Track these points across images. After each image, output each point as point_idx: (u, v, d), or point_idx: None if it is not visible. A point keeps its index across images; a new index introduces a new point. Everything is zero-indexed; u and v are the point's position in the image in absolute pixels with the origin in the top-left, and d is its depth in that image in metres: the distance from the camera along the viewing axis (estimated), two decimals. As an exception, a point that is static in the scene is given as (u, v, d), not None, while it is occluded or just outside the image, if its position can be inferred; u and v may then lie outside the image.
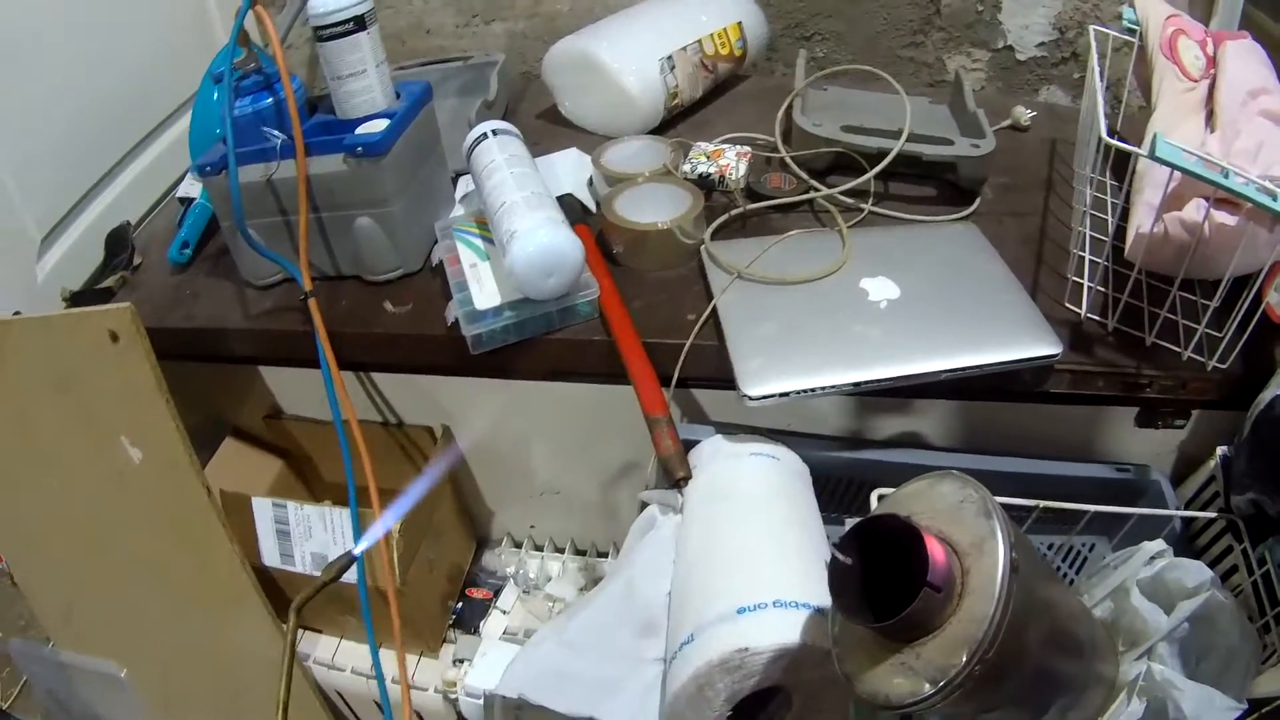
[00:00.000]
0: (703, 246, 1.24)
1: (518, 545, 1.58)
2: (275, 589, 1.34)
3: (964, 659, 0.66)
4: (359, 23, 1.19)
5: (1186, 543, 1.11)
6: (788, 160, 1.35)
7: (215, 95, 1.41)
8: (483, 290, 1.20)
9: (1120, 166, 1.23)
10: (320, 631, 1.46)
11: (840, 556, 0.74)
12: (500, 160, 1.24)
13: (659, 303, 1.21)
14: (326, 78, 1.24)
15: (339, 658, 1.43)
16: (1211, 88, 1.18)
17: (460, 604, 1.47)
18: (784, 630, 0.84)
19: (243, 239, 1.24)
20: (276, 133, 1.22)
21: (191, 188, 1.48)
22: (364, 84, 1.23)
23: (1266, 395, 0.97)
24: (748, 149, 1.38)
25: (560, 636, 1.02)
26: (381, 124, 1.22)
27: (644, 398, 1.08)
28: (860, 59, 1.78)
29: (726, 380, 1.09)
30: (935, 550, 0.69)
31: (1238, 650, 0.89)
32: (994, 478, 0.79)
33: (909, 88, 1.39)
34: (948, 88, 1.56)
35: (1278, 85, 1.16)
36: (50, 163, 1.39)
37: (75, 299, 1.40)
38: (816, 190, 1.32)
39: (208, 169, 1.23)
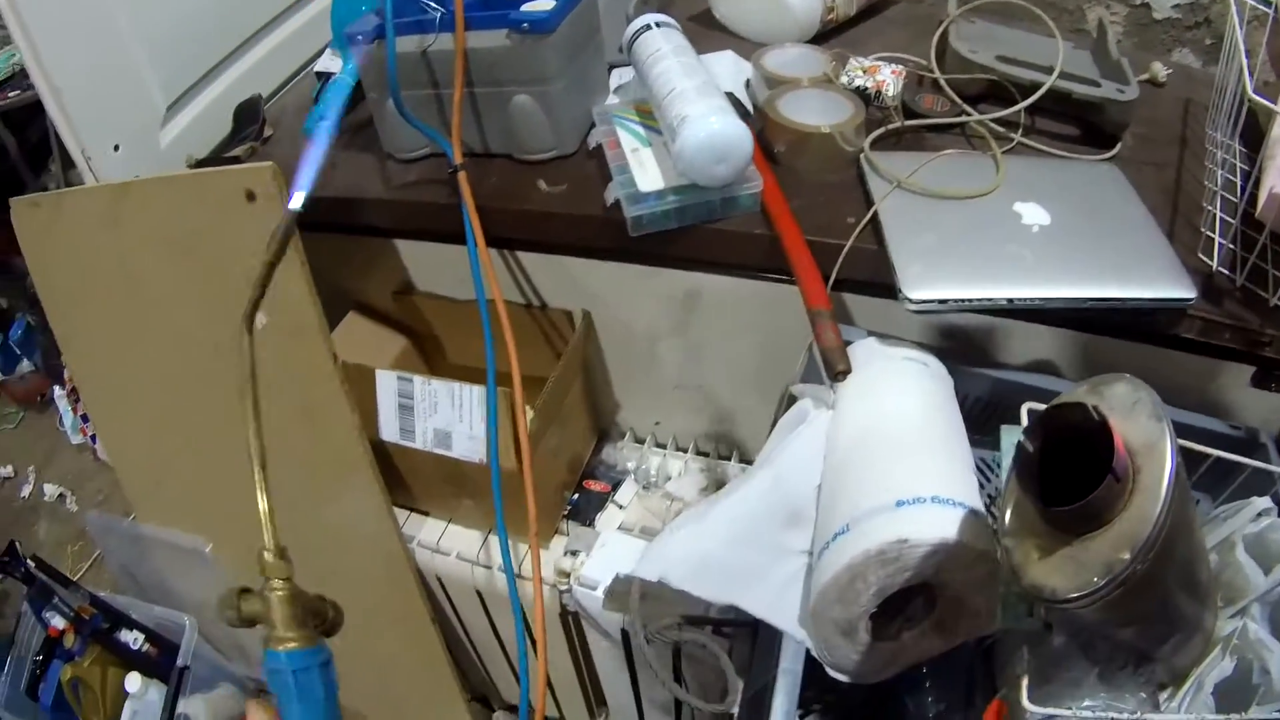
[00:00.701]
0: (861, 155, 1.24)
1: (639, 441, 1.57)
2: (389, 465, 1.34)
3: (1130, 554, 0.67)
4: (540, -102, 1.18)
5: None
6: (941, 83, 1.34)
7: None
8: (645, 174, 1.19)
9: (1250, 134, 1.25)
10: (427, 514, 1.46)
11: (1026, 442, 0.75)
12: (666, 49, 1.23)
13: (818, 204, 1.20)
14: (491, -48, 1.22)
15: (444, 542, 1.42)
16: None
17: (576, 495, 1.47)
18: (943, 525, 0.84)
19: (392, 110, 1.23)
20: (435, 4, 1.21)
21: (331, 62, 1.47)
22: (532, -39, 1.22)
23: None
24: (901, 68, 1.38)
25: (702, 524, 1.02)
26: (549, 3, 1.21)
27: (809, 290, 1.07)
28: None
29: (881, 286, 1.10)
30: (1118, 441, 0.69)
31: None
32: None
33: (1044, 31, 1.39)
34: (1085, 37, 1.56)
35: None
36: (181, 30, 1.39)
37: (201, 165, 1.39)
38: (968, 115, 1.32)
39: (359, 38, 1.21)
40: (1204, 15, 1.73)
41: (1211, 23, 1.73)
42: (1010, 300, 1.05)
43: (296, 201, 0.92)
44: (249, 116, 1.46)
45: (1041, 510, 0.73)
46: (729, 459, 1.53)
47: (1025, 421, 0.97)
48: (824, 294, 1.07)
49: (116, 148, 1.31)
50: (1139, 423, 0.72)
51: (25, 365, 2.79)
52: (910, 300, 1.04)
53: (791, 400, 1.11)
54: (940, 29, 1.38)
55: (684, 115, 1.12)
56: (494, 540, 1.40)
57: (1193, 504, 0.84)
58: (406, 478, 1.38)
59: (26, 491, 2.49)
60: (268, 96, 1.54)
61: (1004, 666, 0.98)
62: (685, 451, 1.55)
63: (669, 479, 1.50)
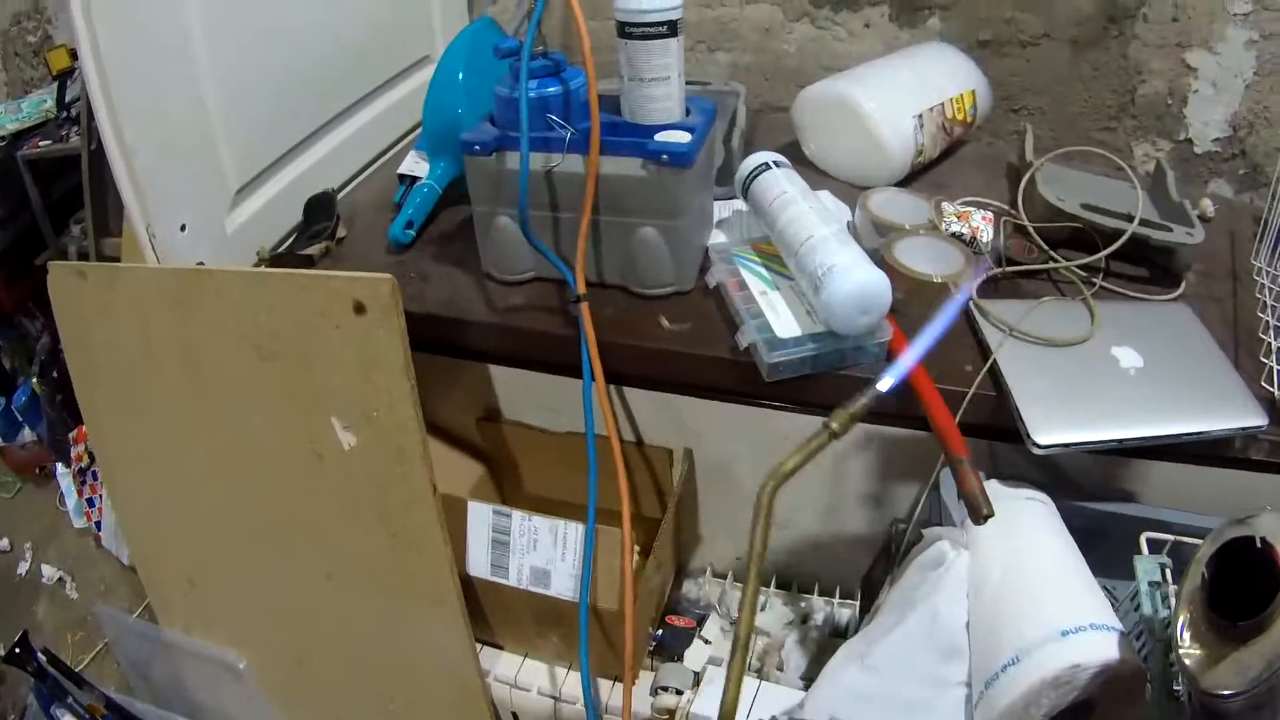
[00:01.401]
0: (971, 302, 1.27)
1: (719, 575, 1.55)
2: (472, 597, 1.30)
3: None
4: (671, 28, 1.17)
5: None
6: (1030, 230, 1.38)
7: (459, 73, 1.38)
8: (779, 319, 1.19)
9: None
10: (501, 648, 1.42)
11: (1205, 572, 0.88)
12: (794, 193, 1.24)
13: (935, 352, 1.22)
14: (623, 77, 1.21)
15: (522, 676, 1.38)
16: None
17: (661, 631, 1.44)
18: (1105, 648, 0.93)
19: (503, 228, 1.22)
20: (562, 123, 1.19)
21: (416, 165, 1.44)
22: (665, 90, 1.21)
23: None
24: (990, 214, 1.41)
25: (863, 662, 1.07)
26: (684, 135, 1.20)
27: (949, 440, 1.09)
28: (1059, 136, 1.84)
29: (996, 429, 1.17)
30: None
31: None
32: (1190, 530, 1.05)
33: (1101, 171, 1.46)
34: (1142, 178, 1.62)
35: None
36: (262, 108, 1.35)
37: (275, 262, 1.34)
38: (1055, 261, 1.36)
39: (476, 148, 1.20)
40: (1240, 147, 1.82)
41: (1246, 154, 1.82)
42: (1122, 441, 1.11)
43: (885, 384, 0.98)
44: (322, 212, 1.42)
45: (1215, 623, 0.85)
46: (810, 592, 1.52)
47: (1146, 550, 1.08)
48: (963, 442, 1.09)
49: (183, 228, 1.25)
50: None
51: (27, 434, 2.63)
52: (1038, 445, 1.09)
53: (913, 540, 1.17)
54: (1026, 177, 1.42)
55: (830, 265, 1.12)
56: (574, 676, 1.37)
57: None
58: (488, 610, 1.34)
59: (24, 569, 2.36)
60: (336, 190, 1.50)
61: None
62: (767, 586, 1.54)
63: (751, 615, 1.49)
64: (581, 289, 1.19)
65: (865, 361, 1.20)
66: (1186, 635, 0.87)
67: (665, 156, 1.17)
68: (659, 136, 1.20)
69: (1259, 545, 0.85)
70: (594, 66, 1.18)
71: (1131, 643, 0.96)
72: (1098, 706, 0.96)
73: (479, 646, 1.39)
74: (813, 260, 1.15)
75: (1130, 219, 1.35)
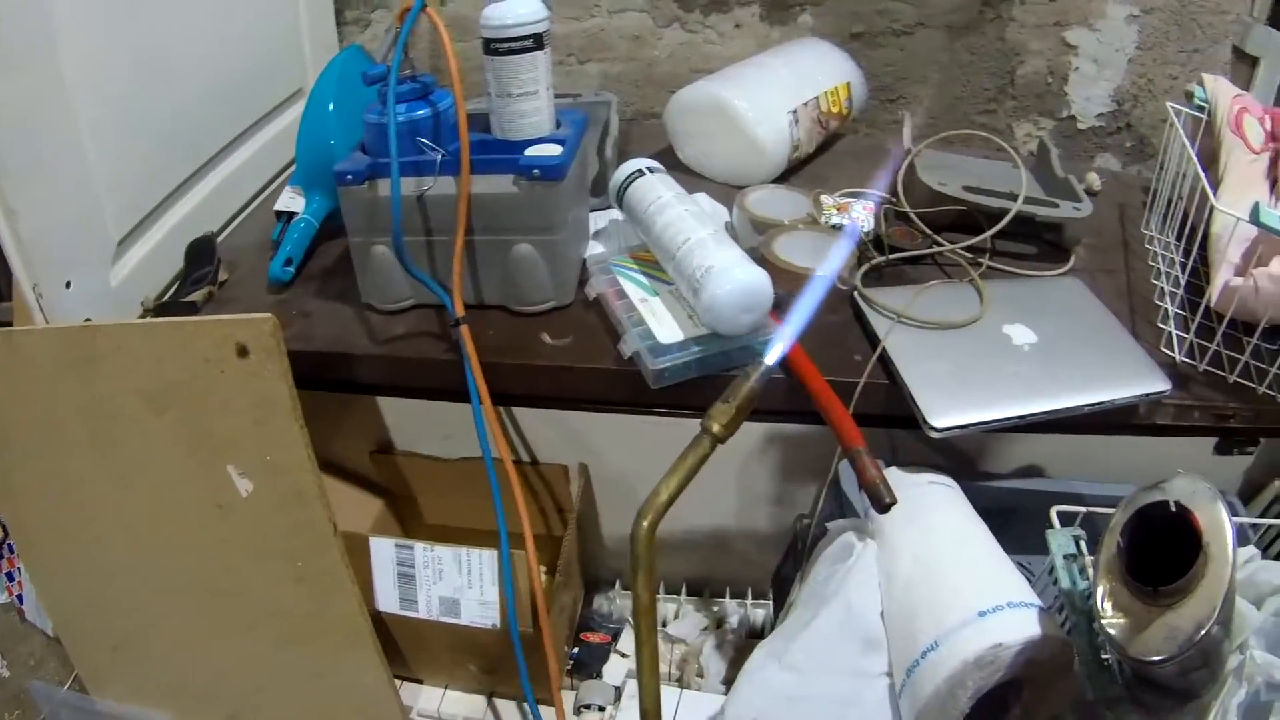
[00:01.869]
0: (856, 292, 1.27)
1: (629, 588, 1.53)
2: (385, 633, 1.28)
3: (1214, 611, 0.79)
4: (537, 41, 1.17)
5: (1263, 553, 1.21)
6: (912, 216, 1.38)
7: (330, 104, 1.36)
8: (662, 325, 1.18)
9: (1186, 226, 1.35)
10: (421, 682, 1.40)
11: (1119, 540, 0.89)
12: (669, 197, 1.23)
13: (822, 345, 1.21)
14: (491, 94, 1.20)
15: (445, 708, 1.37)
16: (1273, 159, 1.32)
17: (576, 649, 1.43)
18: (1026, 625, 0.93)
19: (380, 257, 1.20)
20: (432, 145, 1.18)
21: (292, 201, 1.42)
22: (534, 105, 1.20)
23: None
24: (870, 203, 1.41)
25: (781, 661, 1.06)
26: (554, 148, 1.19)
27: (844, 431, 1.07)
28: (939, 123, 1.86)
29: (892, 417, 1.16)
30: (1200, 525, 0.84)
31: None
32: (1102, 500, 1.06)
33: (984, 153, 1.47)
34: (1026, 157, 1.63)
35: None
36: (138, 160, 1.31)
37: (160, 311, 1.31)
38: (939, 245, 1.36)
39: (349, 177, 1.17)
40: (1125, 121, 1.84)
41: (1132, 126, 1.84)
42: (1022, 417, 1.11)
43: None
44: (203, 256, 1.39)
45: (1137, 590, 0.86)
46: (723, 596, 1.52)
47: (1057, 524, 1.08)
48: (858, 432, 1.08)
49: (68, 284, 1.21)
50: (1202, 506, 0.85)
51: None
52: (935, 429, 1.09)
53: (818, 534, 1.16)
54: (905, 163, 1.42)
55: (708, 266, 1.12)
56: (499, 704, 1.35)
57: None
58: (403, 646, 1.32)
59: (-50, 652, 2.30)
60: (217, 233, 1.47)
61: None
62: (678, 594, 1.53)
63: (666, 623, 1.49)
64: (460, 312, 1.17)
65: (752, 360, 1.18)
66: (1108, 605, 0.88)
67: (536, 171, 1.16)
68: (529, 151, 1.19)
69: (1173, 509, 0.86)
70: (464, 86, 1.17)
71: (1054, 617, 0.96)
72: (1026, 684, 0.96)
73: (399, 683, 1.37)
74: (690, 263, 1.14)
75: (1014, 198, 1.36)
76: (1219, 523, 0.83)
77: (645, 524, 0.89)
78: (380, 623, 1.26)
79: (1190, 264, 1.26)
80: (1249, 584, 1.03)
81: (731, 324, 1.13)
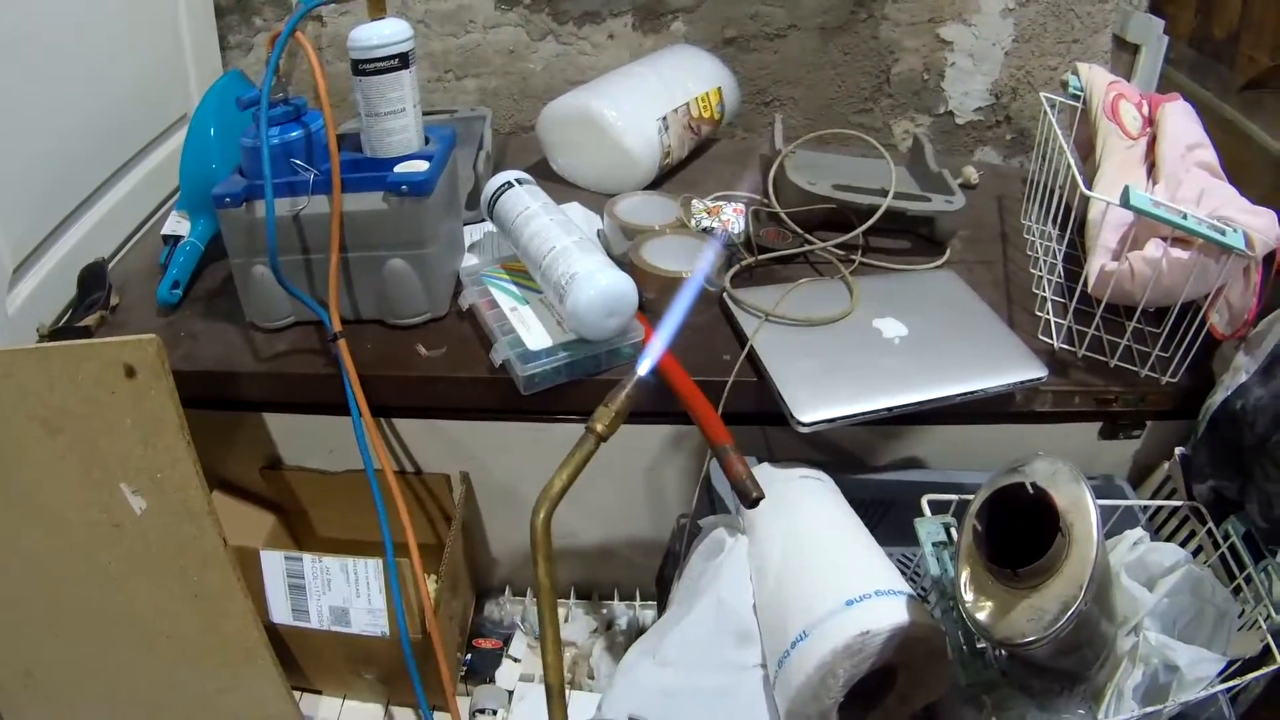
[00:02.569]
0: (724, 292, 1.30)
1: (519, 594, 1.56)
2: (281, 645, 1.29)
3: (1080, 591, 0.80)
4: (403, 60, 1.19)
5: (1153, 535, 1.24)
6: (783, 216, 1.42)
7: (210, 129, 1.38)
8: (531, 332, 1.21)
9: (1064, 215, 1.41)
10: (320, 693, 1.42)
11: (976, 524, 0.91)
12: (536, 207, 1.26)
13: (692, 345, 1.25)
14: (361, 114, 1.22)
15: (345, 718, 1.39)
16: (1150, 144, 1.36)
17: (470, 655, 1.45)
18: (893, 612, 0.94)
19: (260, 277, 1.22)
20: (305, 165, 1.20)
21: (178, 225, 1.43)
22: (402, 123, 1.22)
23: (1217, 398, 1.16)
24: (741, 205, 1.44)
25: (655, 657, 1.06)
26: (422, 164, 1.21)
27: (711, 429, 1.11)
28: (815, 124, 1.89)
29: (758, 415, 1.21)
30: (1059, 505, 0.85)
31: (1224, 609, 1.05)
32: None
33: (860, 152, 1.49)
34: (899, 153, 1.67)
35: (1208, 140, 1.34)
36: (28, 188, 1.32)
37: (54, 336, 1.33)
38: (812, 243, 1.40)
39: (226, 200, 1.19)
40: (1004, 114, 1.88)
41: (1011, 120, 1.88)
42: (891, 409, 1.14)
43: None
44: (95, 282, 1.39)
45: (998, 574, 0.87)
46: (611, 598, 1.54)
47: (928, 512, 1.13)
48: (725, 430, 1.11)
49: None
50: (1062, 487, 0.87)
51: None
52: (802, 424, 1.12)
53: (694, 533, 1.17)
54: (777, 163, 1.45)
55: (572, 273, 1.14)
56: (396, 711, 1.37)
57: (1104, 544, 0.95)
58: (299, 657, 1.34)
59: None
60: (109, 259, 1.48)
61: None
62: (567, 598, 1.56)
63: (556, 627, 1.50)
64: (337, 327, 1.19)
65: (621, 364, 1.22)
66: (970, 590, 0.90)
67: (405, 187, 1.19)
68: (398, 168, 1.21)
69: (1030, 490, 0.88)
70: (337, 107, 1.19)
71: (923, 604, 0.97)
72: (900, 671, 0.98)
73: (299, 694, 1.39)
74: (556, 270, 1.17)
75: (885, 194, 1.39)
76: (1081, 503, 0.85)
77: (542, 514, 0.92)
78: (276, 635, 1.27)
79: (1067, 251, 1.30)
80: (1139, 566, 1.08)
81: (597, 329, 1.16)
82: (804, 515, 1.12)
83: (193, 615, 1.20)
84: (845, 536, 1.09)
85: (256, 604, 1.23)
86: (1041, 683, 0.99)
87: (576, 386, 1.21)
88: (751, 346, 1.21)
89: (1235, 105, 1.55)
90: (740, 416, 1.21)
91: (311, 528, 1.52)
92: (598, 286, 1.13)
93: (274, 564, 1.26)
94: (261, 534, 1.46)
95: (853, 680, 0.94)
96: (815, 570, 1.04)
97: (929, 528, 1.10)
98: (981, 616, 0.87)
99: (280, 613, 1.27)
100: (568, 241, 1.19)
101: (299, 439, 1.38)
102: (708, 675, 1.05)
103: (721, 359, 1.23)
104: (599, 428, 0.95)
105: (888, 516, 1.25)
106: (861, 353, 1.21)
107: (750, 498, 1.04)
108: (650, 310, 1.28)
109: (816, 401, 1.13)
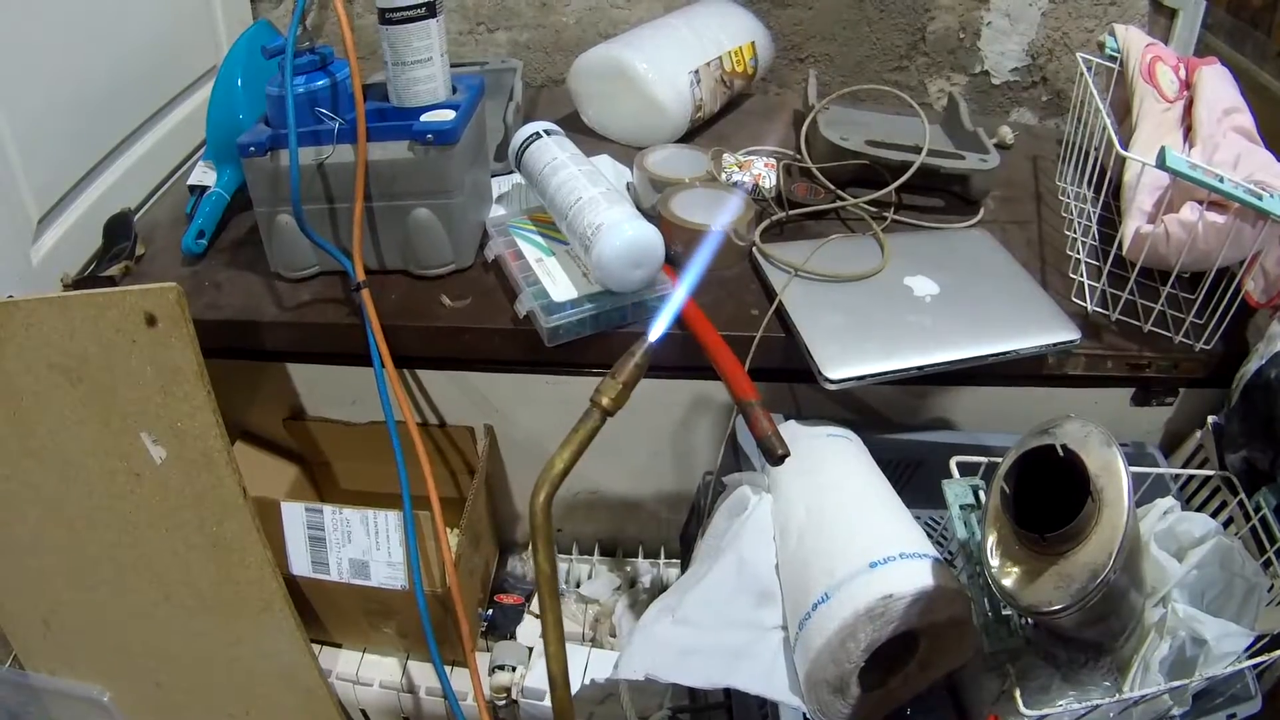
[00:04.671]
0: (754, 247, 1.28)
1: None
2: (300, 597, 1.29)
3: (1109, 559, 0.78)
4: (430, 8, 1.17)
5: (1184, 504, 1.21)
6: (814, 171, 1.39)
7: (238, 80, 1.37)
8: (556, 284, 1.20)
9: (1099, 178, 1.37)
10: (340, 645, 1.42)
11: (1005, 486, 0.88)
12: (564, 158, 1.24)
13: (720, 299, 1.24)
14: (387, 63, 1.21)
15: (364, 672, 1.38)
16: (1186, 107, 1.32)
17: (491, 610, 1.44)
18: (917, 575, 0.91)
19: (285, 226, 1.21)
20: (330, 114, 1.19)
21: (204, 175, 1.42)
22: (428, 72, 1.21)
23: (1251, 366, 1.12)
24: (772, 160, 1.42)
25: (674, 615, 1.05)
26: (448, 114, 1.20)
27: (737, 384, 1.09)
28: (849, 81, 1.86)
29: (787, 371, 1.18)
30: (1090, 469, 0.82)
31: (1254, 583, 1.02)
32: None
33: (894, 109, 1.47)
34: (935, 112, 1.64)
35: (1245, 104, 1.31)
36: (53, 138, 1.31)
37: (78, 286, 1.32)
38: (843, 199, 1.38)
39: (251, 149, 1.18)
40: (1040, 75, 1.85)
41: (1048, 80, 1.85)
42: (921, 368, 1.12)
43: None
44: (120, 232, 1.39)
45: (1027, 539, 0.85)
46: (635, 556, 1.54)
47: (956, 474, 1.09)
48: (751, 385, 1.09)
49: None
50: (1093, 451, 0.84)
51: None
52: (830, 381, 1.09)
53: (718, 490, 1.15)
54: (810, 119, 1.43)
55: (598, 224, 1.13)
56: (413, 666, 1.37)
57: (1135, 511, 0.93)
58: (319, 610, 1.33)
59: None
60: (135, 210, 1.47)
61: (974, 689, 1.06)
62: (590, 554, 1.55)
63: (579, 583, 1.50)
64: (361, 276, 1.18)
65: (649, 317, 1.20)
66: (997, 555, 0.87)
67: (430, 136, 1.17)
68: (424, 117, 1.20)
69: (1061, 454, 0.85)
70: (367, 60, 1.18)
71: (949, 568, 0.94)
72: (922, 636, 0.95)
73: (318, 647, 1.39)
74: (582, 221, 1.15)
75: (919, 151, 1.37)
76: (1113, 468, 0.82)
77: (541, 496, 0.89)
78: (295, 588, 1.27)
79: (1102, 214, 1.28)
80: (1169, 536, 1.05)
81: (622, 280, 1.14)
82: (829, 474, 1.10)
83: (211, 565, 1.20)
84: (871, 497, 1.07)
85: (276, 555, 1.22)
86: (1067, 653, 0.97)
87: (602, 339, 1.20)
88: (780, 301, 1.19)
89: (1272, 72, 1.53)
90: (768, 372, 1.20)
91: (335, 479, 1.52)
92: (624, 237, 1.12)
93: (294, 515, 1.25)
94: (284, 485, 1.46)
95: (875, 645, 0.91)
96: (839, 530, 1.01)
97: (956, 490, 1.07)
98: (1008, 583, 0.85)
99: (300, 564, 1.27)
100: (594, 192, 1.17)
101: (322, 389, 1.37)
102: (727, 635, 1.03)
103: (750, 314, 1.21)
104: (604, 401, 0.92)
105: (915, 477, 1.23)
106: (891, 310, 1.18)
107: (775, 454, 1.02)
108: (678, 264, 1.26)
109: (845, 358, 1.11)
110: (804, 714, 0.96)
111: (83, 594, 1.27)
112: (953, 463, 1.10)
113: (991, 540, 0.89)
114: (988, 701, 1.01)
